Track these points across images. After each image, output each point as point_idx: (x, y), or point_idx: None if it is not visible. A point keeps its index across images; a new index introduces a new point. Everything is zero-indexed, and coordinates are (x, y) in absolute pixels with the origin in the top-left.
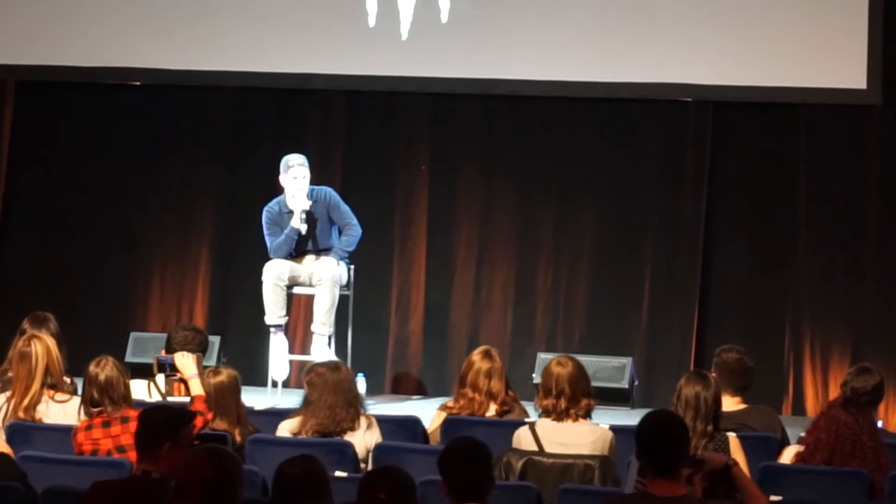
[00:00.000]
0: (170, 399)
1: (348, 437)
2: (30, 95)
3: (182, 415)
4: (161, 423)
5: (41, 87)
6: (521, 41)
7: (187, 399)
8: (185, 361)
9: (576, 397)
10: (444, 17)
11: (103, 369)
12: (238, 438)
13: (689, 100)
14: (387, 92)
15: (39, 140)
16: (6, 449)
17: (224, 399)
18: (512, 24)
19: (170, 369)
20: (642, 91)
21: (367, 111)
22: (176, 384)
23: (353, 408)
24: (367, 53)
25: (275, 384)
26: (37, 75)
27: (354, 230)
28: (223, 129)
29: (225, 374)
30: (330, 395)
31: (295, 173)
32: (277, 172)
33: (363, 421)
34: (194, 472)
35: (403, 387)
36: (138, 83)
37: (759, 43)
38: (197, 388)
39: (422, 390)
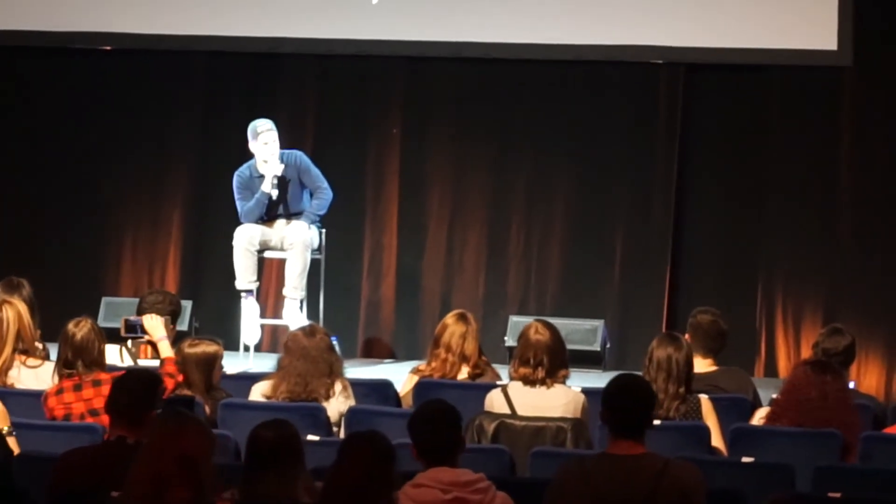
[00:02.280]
0: (138, 362)
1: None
2: None
3: (158, 379)
4: (144, 389)
5: (10, 52)
6: (493, 3)
7: (156, 362)
8: (154, 323)
9: (554, 369)
10: None
11: (81, 329)
12: (211, 399)
13: (661, 62)
14: (358, 55)
15: (9, 105)
16: None
17: (206, 360)
18: None
19: (139, 331)
20: (614, 54)
21: (338, 75)
22: (143, 346)
23: (328, 376)
24: (339, 17)
25: (247, 349)
26: (5, 41)
27: (325, 194)
28: (194, 93)
29: (209, 344)
30: (300, 361)
31: (265, 139)
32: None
33: (338, 386)
34: (166, 441)
35: (375, 350)
36: (109, 48)
37: (731, 5)
38: (166, 351)
39: (394, 354)
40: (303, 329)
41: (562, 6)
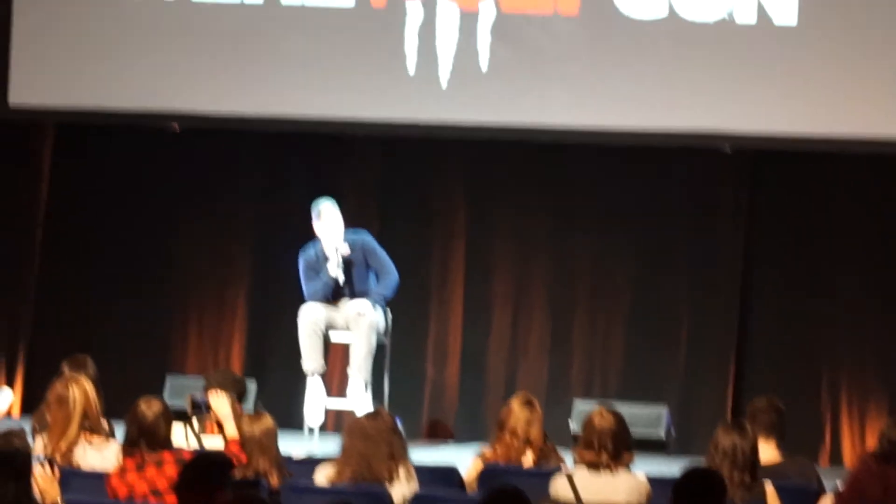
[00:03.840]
0: (203, 438)
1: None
2: (67, 138)
3: (230, 462)
4: (216, 470)
5: (78, 129)
6: (559, 88)
7: (220, 438)
8: (220, 401)
9: (618, 453)
10: (484, 66)
11: (151, 410)
12: (275, 480)
13: (728, 148)
14: (423, 138)
15: (77, 183)
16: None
17: (268, 439)
18: (550, 72)
19: (205, 408)
20: (681, 140)
21: (403, 157)
22: (209, 423)
23: (390, 458)
24: (407, 101)
25: (311, 430)
26: (74, 118)
27: (391, 276)
28: (260, 173)
29: (267, 418)
30: (361, 442)
31: (328, 219)
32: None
33: (402, 470)
34: None
35: (439, 433)
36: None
37: (799, 91)
38: (231, 430)
39: (458, 436)
40: (367, 413)
41: (628, 91)
